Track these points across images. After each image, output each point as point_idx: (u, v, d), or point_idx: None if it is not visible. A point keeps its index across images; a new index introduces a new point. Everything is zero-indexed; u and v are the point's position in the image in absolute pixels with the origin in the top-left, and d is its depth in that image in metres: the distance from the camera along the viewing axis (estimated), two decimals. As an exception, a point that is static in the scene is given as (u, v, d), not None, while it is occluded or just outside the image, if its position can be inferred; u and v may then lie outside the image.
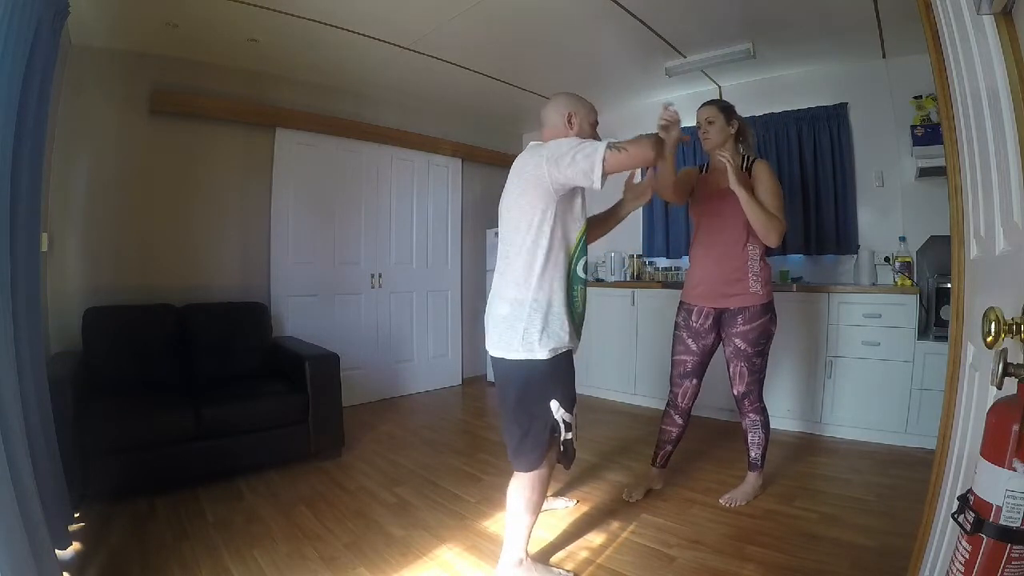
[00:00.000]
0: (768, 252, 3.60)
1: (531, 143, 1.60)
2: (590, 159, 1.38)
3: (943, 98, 1.11)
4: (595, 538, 1.85)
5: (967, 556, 0.64)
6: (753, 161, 2.04)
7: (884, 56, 3.01)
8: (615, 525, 1.94)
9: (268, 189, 3.35)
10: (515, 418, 1.52)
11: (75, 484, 1.89)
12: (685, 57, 3.17)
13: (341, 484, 2.34)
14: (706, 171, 2.15)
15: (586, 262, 1.57)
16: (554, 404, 1.50)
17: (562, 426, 1.50)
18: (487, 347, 1.58)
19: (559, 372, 1.53)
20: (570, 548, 1.79)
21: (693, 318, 2.09)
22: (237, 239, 3.24)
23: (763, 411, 2.07)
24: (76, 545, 1.73)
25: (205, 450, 2.25)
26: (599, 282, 3.90)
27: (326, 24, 2.68)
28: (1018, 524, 0.59)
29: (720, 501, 2.08)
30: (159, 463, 2.16)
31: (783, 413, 3.01)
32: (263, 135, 3.32)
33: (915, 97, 2.84)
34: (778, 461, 2.47)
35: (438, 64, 3.23)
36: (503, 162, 3.39)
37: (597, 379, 3.87)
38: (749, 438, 2.09)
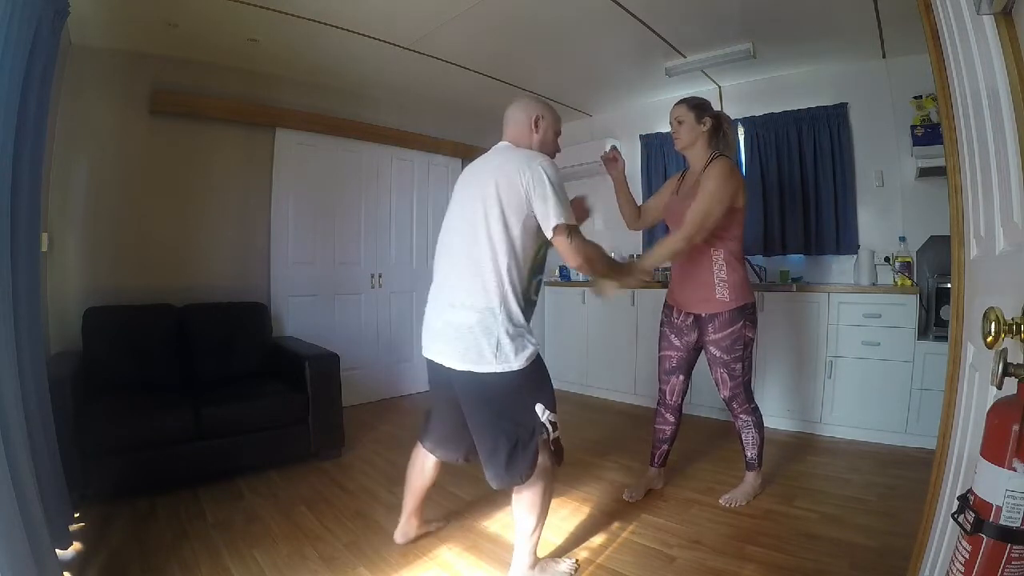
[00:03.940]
0: (770, 252, 3.56)
1: (502, 144, 1.58)
2: (551, 219, 1.41)
3: (943, 98, 1.11)
4: (595, 538, 1.85)
5: (967, 556, 0.64)
6: (712, 159, 1.96)
7: (884, 56, 3.01)
8: (615, 525, 1.94)
9: (268, 189, 3.35)
10: (500, 430, 1.45)
11: (75, 484, 1.89)
12: (685, 57, 3.17)
13: (341, 484, 2.34)
14: (682, 177, 2.13)
15: (544, 262, 1.58)
16: (539, 408, 1.47)
17: (549, 427, 1.47)
18: (437, 358, 1.49)
19: (537, 375, 1.50)
20: (570, 548, 1.78)
21: (674, 316, 2.11)
22: (237, 239, 3.23)
23: (754, 412, 2.07)
24: (76, 545, 1.73)
25: (205, 450, 2.25)
26: (599, 282, 3.86)
27: (326, 24, 2.68)
28: (1018, 524, 0.59)
29: (720, 501, 2.08)
30: (159, 463, 2.16)
31: (783, 413, 3.01)
32: (263, 135, 3.31)
33: (915, 97, 2.84)
34: (778, 461, 2.47)
35: (438, 64, 3.22)
36: (503, 162, 3.38)
37: (597, 379, 3.87)
38: (743, 439, 2.10)
